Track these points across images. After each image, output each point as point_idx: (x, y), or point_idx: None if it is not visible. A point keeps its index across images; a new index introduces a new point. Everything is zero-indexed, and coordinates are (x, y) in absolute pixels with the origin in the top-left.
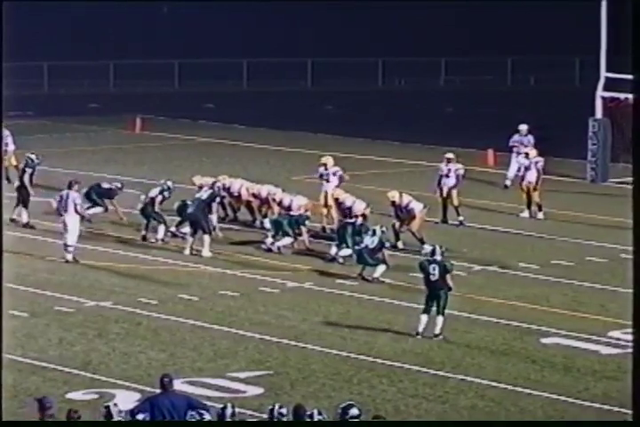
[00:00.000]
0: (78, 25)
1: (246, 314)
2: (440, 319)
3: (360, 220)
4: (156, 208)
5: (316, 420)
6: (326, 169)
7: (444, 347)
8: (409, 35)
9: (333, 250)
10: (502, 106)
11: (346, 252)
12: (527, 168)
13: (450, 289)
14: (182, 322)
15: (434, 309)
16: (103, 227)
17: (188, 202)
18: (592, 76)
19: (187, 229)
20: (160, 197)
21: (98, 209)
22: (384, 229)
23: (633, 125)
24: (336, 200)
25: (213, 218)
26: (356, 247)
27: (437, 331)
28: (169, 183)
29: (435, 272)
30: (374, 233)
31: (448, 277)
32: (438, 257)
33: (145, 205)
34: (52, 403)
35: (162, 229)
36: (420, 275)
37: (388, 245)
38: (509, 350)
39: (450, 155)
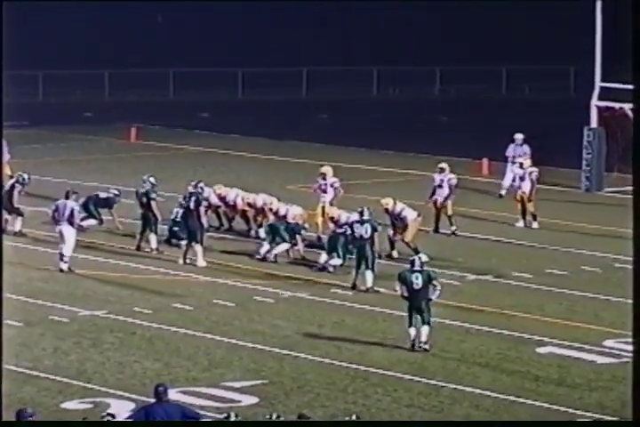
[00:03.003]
0: (73, 34)
1: (241, 323)
2: (426, 328)
3: (349, 231)
4: (156, 211)
5: None
6: (325, 179)
7: (438, 356)
8: (404, 44)
9: (323, 258)
10: (497, 115)
11: (337, 261)
12: (522, 178)
13: (430, 299)
14: (177, 331)
15: (418, 319)
16: (98, 236)
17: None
18: (587, 86)
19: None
20: (153, 203)
21: (92, 221)
22: (371, 210)
23: (634, 134)
24: (331, 219)
25: (204, 221)
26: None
27: (424, 339)
28: (152, 180)
29: (418, 281)
30: (363, 221)
31: (435, 282)
32: (418, 267)
33: (144, 211)
34: (29, 414)
35: (154, 238)
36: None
37: (380, 229)
38: (504, 360)
39: (443, 165)
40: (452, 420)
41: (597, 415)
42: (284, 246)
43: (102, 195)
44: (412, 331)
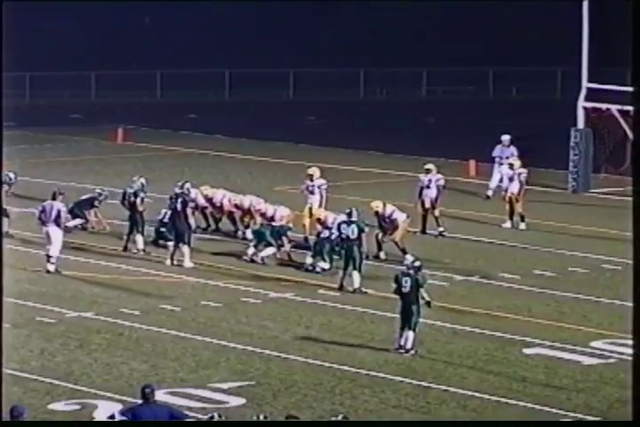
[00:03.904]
0: (60, 35)
1: (228, 325)
2: (411, 334)
3: (336, 233)
4: (140, 208)
5: None
6: (312, 181)
7: (425, 357)
8: (391, 45)
9: (308, 260)
10: (484, 116)
11: (324, 265)
12: (511, 179)
13: (429, 304)
14: (164, 333)
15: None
16: (85, 237)
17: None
18: (573, 87)
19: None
20: (139, 200)
21: (77, 221)
22: (359, 211)
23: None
24: (318, 220)
25: (192, 222)
26: (341, 239)
27: (409, 346)
28: (142, 180)
29: (406, 285)
30: (350, 222)
31: (422, 291)
32: (411, 271)
33: (131, 212)
34: (21, 411)
35: (140, 239)
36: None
37: (367, 230)
38: (491, 361)
39: (429, 166)
40: (439, 421)
41: (584, 416)
42: (271, 250)
43: (85, 196)
44: (401, 333)
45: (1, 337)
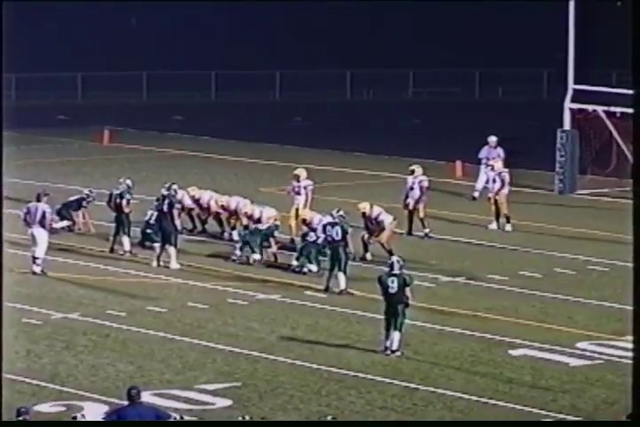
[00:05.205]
0: (45, 36)
1: (215, 326)
2: (397, 335)
3: (322, 235)
4: (126, 210)
5: None
6: (298, 181)
7: (412, 359)
8: (377, 47)
9: (295, 262)
10: (470, 118)
11: (312, 267)
12: (493, 180)
13: (407, 305)
14: (151, 334)
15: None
16: (71, 239)
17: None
18: (560, 88)
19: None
20: (125, 202)
21: (64, 222)
22: (341, 212)
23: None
24: (304, 221)
25: (178, 224)
26: (328, 241)
27: (395, 347)
28: (128, 182)
29: (393, 285)
30: (335, 224)
31: (407, 290)
32: (397, 271)
33: (117, 213)
34: (27, 411)
35: (126, 240)
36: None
37: (351, 231)
38: (477, 362)
39: (413, 167)
40: (426, 422)
41: (570, 417)
42: (257, 257)
43: (73, 197)
44: (387, 335)
45: (1, 338)
